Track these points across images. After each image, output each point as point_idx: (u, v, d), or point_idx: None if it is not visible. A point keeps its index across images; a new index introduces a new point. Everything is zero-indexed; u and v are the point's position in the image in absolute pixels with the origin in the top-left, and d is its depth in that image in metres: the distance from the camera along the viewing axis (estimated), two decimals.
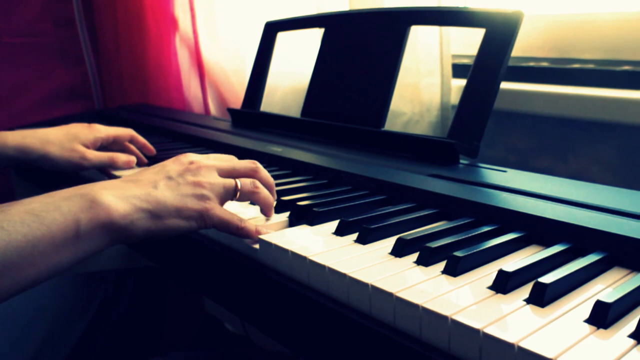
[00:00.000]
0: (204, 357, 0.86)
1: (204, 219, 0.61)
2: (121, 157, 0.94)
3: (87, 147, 0.93)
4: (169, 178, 0.62)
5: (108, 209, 0.55)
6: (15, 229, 0.50)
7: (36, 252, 0.51)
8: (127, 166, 0.94)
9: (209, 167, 0.64)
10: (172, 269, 0.84)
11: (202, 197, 0.61)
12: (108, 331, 1.01)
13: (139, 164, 0.99)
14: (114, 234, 0.56)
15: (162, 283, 1.13)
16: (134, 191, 0.58)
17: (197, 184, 0.62)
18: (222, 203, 0.64)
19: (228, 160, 0.67)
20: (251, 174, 0.68)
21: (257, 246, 0.62)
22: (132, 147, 1.00)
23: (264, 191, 0.67)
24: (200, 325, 1.35)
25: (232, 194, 0.65)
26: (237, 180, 0.65)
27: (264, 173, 0.69)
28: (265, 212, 0.69)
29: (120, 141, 0.98)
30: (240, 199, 0.66)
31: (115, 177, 0.91)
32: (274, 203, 0.69)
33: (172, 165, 0.64)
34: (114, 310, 1.03)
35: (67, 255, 0.53)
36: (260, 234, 0.63)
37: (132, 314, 1.06)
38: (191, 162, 0.64)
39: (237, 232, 0.63)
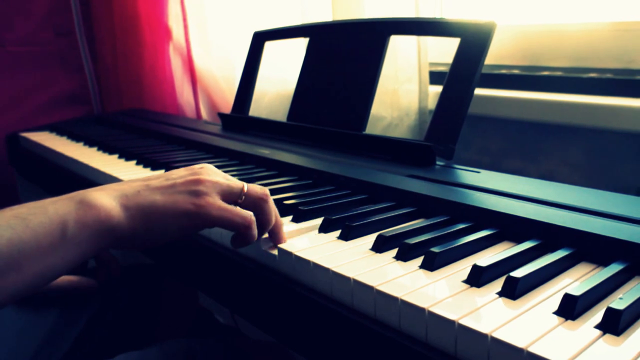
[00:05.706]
0: (198, 345, 0.85)
1: (199, 216, 0.51)
2: None
3: None
4: (167, 179, 0.53)
5: (96, 209, 0.48)
6: (0, 234, 0.44)
7: (22, 257, 0.45)
8: None
9: (216, 171, 0.56)
10: (168, 265, 0.83)
11: (197, 193, 0.52)
12: (108, 325, 1.00)
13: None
14: (103, 236, 0.49)
15: (159, 279, 1.12)
16: (123, 191, 0.51)
17: (195, 182, 0.53)
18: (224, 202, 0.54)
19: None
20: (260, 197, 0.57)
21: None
22: None
23: (273, 205, 0.57)
24: (194, 318, 1.34)
25: (236, 195, 0.54)
26: (245, 183, 0.56)
27: (273, 205, 0.58)
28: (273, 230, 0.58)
29: None
30: (246, 204, 0.55)
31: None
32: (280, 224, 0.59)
33: (179, 170, 0.56)
34: (114, 304, 1.01)
35: (54, 260, 0.47)
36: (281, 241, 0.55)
37: (131, 308, 1.05)
38: (201, 167, 0.56)
39: (245, 230, 0.53)
